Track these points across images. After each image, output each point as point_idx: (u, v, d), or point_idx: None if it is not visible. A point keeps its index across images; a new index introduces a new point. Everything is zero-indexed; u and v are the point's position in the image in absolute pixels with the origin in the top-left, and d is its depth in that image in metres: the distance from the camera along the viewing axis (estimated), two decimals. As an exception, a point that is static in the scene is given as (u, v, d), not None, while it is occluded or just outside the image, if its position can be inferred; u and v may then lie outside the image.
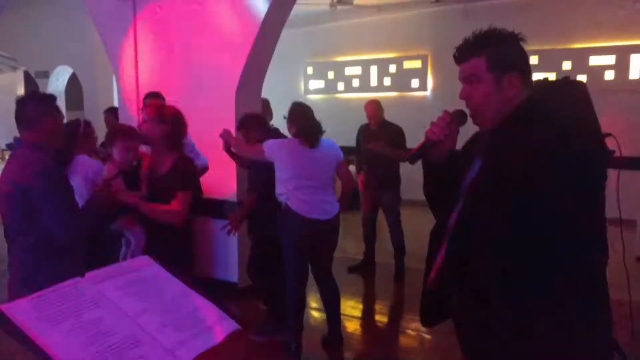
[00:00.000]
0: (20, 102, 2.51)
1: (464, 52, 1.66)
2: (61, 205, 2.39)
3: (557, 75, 7.48)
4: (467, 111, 1.73)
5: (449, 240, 1.68)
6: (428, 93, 9.34)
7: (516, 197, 1.46)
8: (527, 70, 1.66)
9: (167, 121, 3.16)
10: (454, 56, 1.69)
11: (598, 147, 1.51)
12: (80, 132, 3.70)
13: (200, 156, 4.21)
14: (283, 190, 3.74)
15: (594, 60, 7.94)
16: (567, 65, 7.98)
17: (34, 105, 2.48)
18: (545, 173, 1.42)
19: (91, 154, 3.76)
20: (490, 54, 1.61)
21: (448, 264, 1.67)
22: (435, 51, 9.01)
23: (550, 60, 7.97)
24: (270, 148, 3.72)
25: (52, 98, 2.56)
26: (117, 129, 3.29)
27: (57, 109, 2.56)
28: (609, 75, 7.89)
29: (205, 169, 4.27)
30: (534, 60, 8.13)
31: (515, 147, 1.51)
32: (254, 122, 4.12)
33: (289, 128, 3.82)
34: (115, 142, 3.19)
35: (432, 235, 1.81)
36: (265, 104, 5.11)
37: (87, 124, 3.85)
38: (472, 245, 1.57)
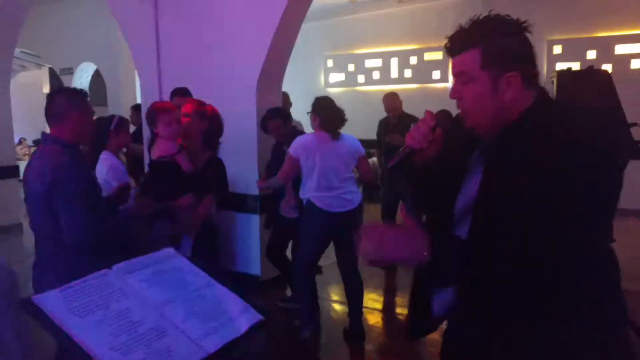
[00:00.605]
0: (50, 97, 2.50)
1: (456, 44, 1.39)
2: (78, 209, 2.33)
3: (581, 65, 7.37)
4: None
5: (461, 275, 1.36)
6: (450, 85, 9.26)
7: (526, 223, 1.25)
8: (531, 67, 1.38)
9: (207, 118, 3.21)
10: (446, 47, 1.41)
11: (612, 158, 1.29)
12: (111, 128, 3.74)
13: None
14: (307, 183, 3.79)
15: (620, 49, 7.81)
16: (591, 55, 7.86)
17: (62, 100, 2.46)
18: (553, 197, 1.22)
19: (117, 151, 3.81)
20: (486, 47, 1.34)
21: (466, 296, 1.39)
22: (456, 42, 8.92)
23: (574, 50, 7.86)
24: (295, 151, 3.78)
25: (82, 93, 2.54)
26: (155, 108, 3.26)
27: (86, 103, 2.53)
28: (635, 64, 7.75)
29: None
30: (557, 49, 8.05)
31: (521, 168, 1.28)
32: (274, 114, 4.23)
33: (312, 120, 3.84)
34: (156, 120, 3.19)
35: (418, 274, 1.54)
36: (285, 97, 5.14)
37: (122, 120, 3.88)
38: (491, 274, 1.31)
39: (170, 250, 1.41)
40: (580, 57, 7.72)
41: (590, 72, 2.89)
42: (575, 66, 6.70)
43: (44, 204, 2.33)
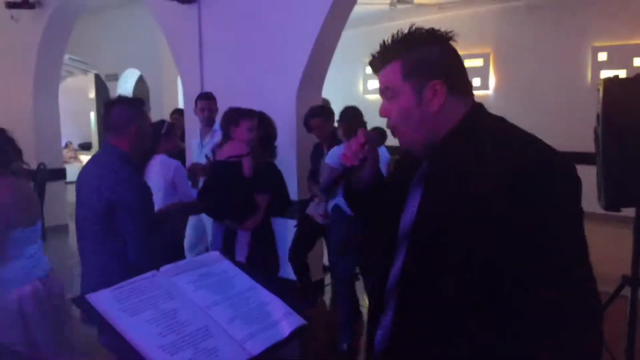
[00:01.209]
0: (109, 107, 2.50)
1: (377, 59, 1.33)
2: (142, 231, 2.38)
3: (627, 72, 7.16)
4: None
5: (395, 303, 1.30)
6: (490, 92, 9.16)
7: (460, 251, 1.15)
8: (456, 75, 1.30)
9: (261, 125, 3.31)
10: (370, 64, 1.37)
11: (570, 182, 1.12)
12: (162, 132, 3.85)
13: None
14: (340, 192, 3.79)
15: (669, 56, 7.58)
16: (638, 62, 7.64)
17: (123, 112, 2.45)
18: (488, 221, 1.11)
19: (169, 154, 3.91)
20: (405, 58, 1.28)
21: (397, 330, 1.30)
22: (497, 49, 8.82)
23: (620, 57, 7.66)
24: (332, 159, 3.78)
25: (140, 102, 2.56)
26: (237, 112, 3.36)
27: (146, 114, 2.55)
28: (685, 71, 7.51)
29: None
30: (602, 56, 7.86)
31: (453, 188, 1.18)
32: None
33: (340, 129, 3.89)
34: (238, 124, 3.30)
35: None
36: (325, 104, 5.17)
37: (171, 125, 3.99)
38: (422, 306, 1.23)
39: (215, 254, 1.45)
40: (627, 64, 7.51)
41: (639, 80, 2.81)
42: (621, 73, 6.54)
43: (99, 218, 2.37)
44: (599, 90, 2.88)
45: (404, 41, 1.30)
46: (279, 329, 1.26)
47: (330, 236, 3.91)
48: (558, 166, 1.12)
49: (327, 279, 5.36)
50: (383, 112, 1.34)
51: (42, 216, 2.85)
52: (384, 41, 1.32)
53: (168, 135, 3.88)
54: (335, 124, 4.18)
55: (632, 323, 2.95)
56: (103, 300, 1.17)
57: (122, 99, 2.59)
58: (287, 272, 5.09)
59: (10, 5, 7.03)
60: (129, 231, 2.35)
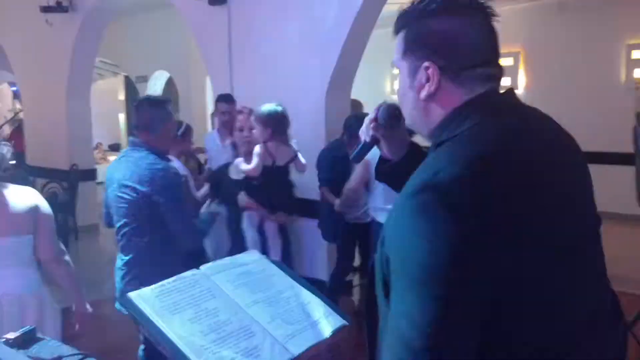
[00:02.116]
0: (140, 106, 2.63)
1: (393, 27, 1.13)
2: (187, 216, 2.53)
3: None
4: None
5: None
6: (520, 91, 9.02)
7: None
8: (460, 57, 1.03)
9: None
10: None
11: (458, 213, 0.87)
12: (179, 133, 3.90)
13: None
14: (376, 201, 3.73)
15: None
16: (675, 60, 7.45)
17: (153, 111, 2.58)
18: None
19: (181, 155, 3.95)
20: (408, 30, 1.07)
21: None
22: (528, 48, 8.67)
23: (656, 55, 7.48)
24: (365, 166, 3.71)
25: (168, 102, 2.68)
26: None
27: (172, 113, 2.68)
28: None
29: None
30: (637, 54, 7.68)
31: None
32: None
33: (343, 136, 3.87)
34: None
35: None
36: (356, 104, 5.14)
37: (188, 127, 4.05)
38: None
39: (255, 253, 1.45)
40: (662, 63, 7.34)
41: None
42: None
43: (144, 211, 2.47)
44: (638, 88, 2.81)
45: (417, 7, 1.06)
46: (319, 329, 1.25)
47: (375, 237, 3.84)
48: (426, 201, 0.89)
49: (356, 280, 5.34)
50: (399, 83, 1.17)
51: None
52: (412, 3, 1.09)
53: (184, 137, 3.97)
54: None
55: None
56: (145, 298, 1.18)
57: (152, 99, 2.74)
58: (315, 272, 5.09)
59: (44, 10, 7.17)
60: (173, 219, 2.46)
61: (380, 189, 3.64)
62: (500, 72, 1.07)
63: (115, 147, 15.34)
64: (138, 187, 2.43)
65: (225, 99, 4.84)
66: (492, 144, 0.95)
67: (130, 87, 13.54)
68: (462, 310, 0.86)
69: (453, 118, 1.02)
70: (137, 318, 1.14)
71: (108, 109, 14.76)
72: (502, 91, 1.06)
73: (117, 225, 2.57)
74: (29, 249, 2.39)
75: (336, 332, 1.25)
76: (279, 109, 3.73)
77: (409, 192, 0.92)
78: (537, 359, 0.92)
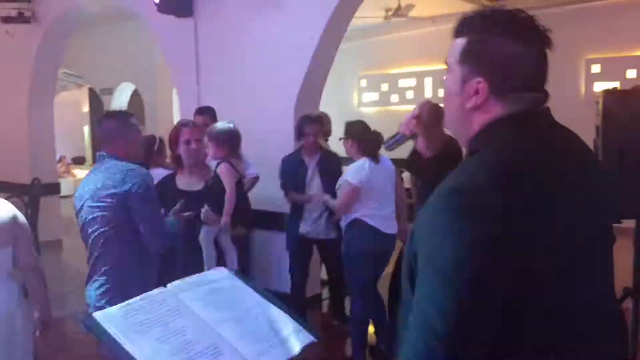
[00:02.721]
0: (102, 121, 2.67)
1: (456, 27, 1.20)
2: (157, 218, 2.54)
3: (621, 85, 7.25)
4: None
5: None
6: (484, 104, 9.19)
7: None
8: (512, 81, 1.11)
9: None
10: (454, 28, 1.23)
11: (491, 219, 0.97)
12: (155, 147, 3.89)
13: (250, 167, 4.36)
14: (359, 207, 3.75)
15: (661, 68, 7.65)
16: (631, 74, 7.70)
17: (111, 125, 2.61)
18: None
19: (163, 167, 3.93)
20: (470, 39, 1.14)
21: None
22: (491, 62, 8.87)
23: (613, 69, 7.72)
24: (354, 177, 3.72)
25: (129, 115, 2.71)
26: None
27: (138, 126, 2.70)
28: (677, 83, 7.57)
29: (255, 179, 4.38)
30: (596, 68, 7.92)
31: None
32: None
33: (350, 146, 3.82)
34: None
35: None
36: (325, 118, 5.15)
37: (161, 140, 4.05)
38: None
39: (223, 270, 1.43)
40: (620, 77, 7.57)
41: (637, 92, 2.83)
42: (615, 85, 6.60)
43: (120, 210, 2.45)
44: (597, 102, 2.90)
45: (484, 20, 1.13)
46: (289, 346, 1.24)
47: (348, 251, 3.82)
48: (459, 202, 1.00)
49: (325, 293, 5.33)
50: (444, 81, 1.23)
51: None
52: (481, 10, 1.17)
53: (159, 151, 4.04)
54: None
55: (634, 335, 2.95)
56: (111, 318, 1.15)
57: (109, 114, 2.84)
58: (282, 284, 5.06)
59: (5, 20, 7.02)
60: (142, 219, 2.47)
61: (374, 196, 3.69)
62: (544, 96, 1.17)
63: (79, 160, 15.05)
64: (112, 191, 2.43)
65: (200, 112, 4.78)
66: (523, 157, 1.05)
67: (95, 99, 13.33)
68: (483, 302, 0.95)
69: (490, 130, 1.11)
70: (103, 339, 1.12)
71: (72, 121, 14.50)
72: (539, 109, 1.15)
73: (92, 237, 2.51)
74: (10, 261, 2.41)
75: (305, 349, 1.25)
76: (232, 126, 3.87)
77: (443, 193, 1.02)
78: (544, 356, 1.02)
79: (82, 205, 2.53)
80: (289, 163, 4.34)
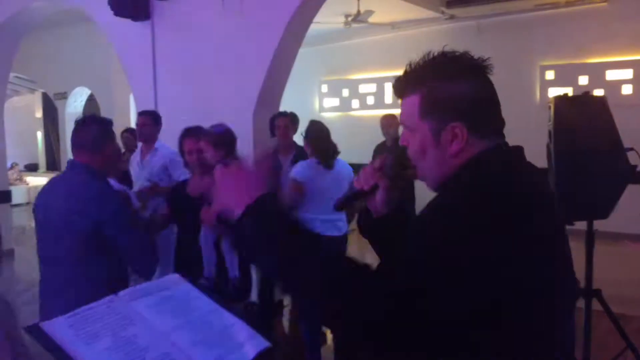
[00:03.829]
0: (82, 125, 2.45)
1: (398, 87, 1.22)
2: (139, 240, 2.43)
3: (573, 90, 7.50)
4: None
5: None
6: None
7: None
8: (483, 115, 1.16)
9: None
10: (393, 88, 1.24)
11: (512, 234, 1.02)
12: None
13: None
14: (304, 209, 3.77)
15: (611, 75, 7.91)
16: (583, 80, 7.96)
17: (97, 131, 2.44)
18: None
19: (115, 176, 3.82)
20: (425, 93, 1.15)
21: None
22: (449, 68, 9.02)
23: (566, 75, 7.96)
24: (299, 173, 3.77)
25: (110, 123, 2.54)
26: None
27: (114, 134, 2.54)
28: (627, 89, 7.85)
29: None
30: (550, 75, 8.15)
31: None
32: None
33: (305, 147, 3.87)
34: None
35: None
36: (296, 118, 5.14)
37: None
38: None
39: (175, 276, 1.40)
40: (573, 83, 7.81)
41: (587, 98, 2.92)
42: (568, 91, 6.79)
43: (84, 237, 2.32)
44: (549, 107, 2.97)
45: (428, 71, 1.16)
46: (243, 353, 1.22)
47: None
48: (464, 214, 1.03)
49: (287, 300, 5.30)
50: (402, 141, 1.24)
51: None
52: (409, 65, 1.19)
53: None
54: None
55: (587, 334, 3.02)
56: (58, 328, 1.11)
57: (96, 119, 2.58)
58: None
59: (-48, 22, 6.78)
60: (124, 246, 2.37)
61: (309, 194, 3.70)
62: (503, 123, 1.21)
63: (32, 167, 14.62)
64: (81, 214, 2.29)
65: (142, 113, 4.70)
66: (508, 183, 1.10)
67: (48, 104, 12.98)
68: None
69: (472, 163, 1.14)
70: (50, 349, 1.07)
71: (24, 127, 14.08)
72: (511, 146, 1.20)
73: (52, 255, 2.40)
74: None
75: (260, 354, 1.23)
76: (226, 127, 3.70)
77: (436, 207, 1.10)
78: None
79: (40, 220, 2.44)
80: None
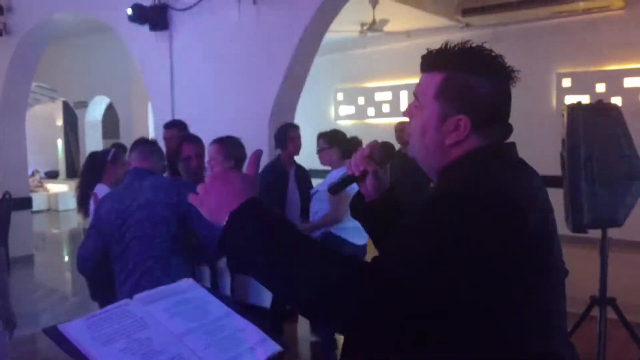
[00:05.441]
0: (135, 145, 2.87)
1: (425, 61, 1.25)
2: (214, 229, 2.60)
3: (591, 98, 7.43)
4: None
5: None
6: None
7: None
8: (491, 116, 1.19)
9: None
10: (422, 59, 1.28)
11: (500, 220, 1.03)
12: (108, 159, 3.80)
13: None
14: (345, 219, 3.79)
15: (629, 82, 7.83)
16: (601, 88, 7.88)
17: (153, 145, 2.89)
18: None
19: (115, 184, 3.85)
20: (449, 76, 1.18)
21: None
22: (465, 76, 9.01)
23: (583, 83, 7.90)
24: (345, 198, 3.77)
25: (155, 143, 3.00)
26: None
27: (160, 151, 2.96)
28: (644, 97, 7.78)
29: None
30: (567, 82, 8.09)
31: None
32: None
33: (332, 154, 3.86)
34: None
35: None
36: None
37: (117, 152, 3.94)
38: None
39: (190, 281, 1.44)
40: (590, 90, 7.75)
41: (600, 106, 2.91)
42: (585, 99, 6.73)
43: (177, 228, 2.56)
44: (563, 115, 2.97)
45: (461, 57, 1.19)
46: (254, 356, 1.25)
47: None
48: (466, 201, 1.05)
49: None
50: (407, 112, 1.27)
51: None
52: (445, 44, 1.22)
53: (115, 162, 3.89)
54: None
55: (602, 342, 3.00)
56: (76, 329, 1.15)
57: (141, 141, 2.98)
58: (262, 299, 5.04)
59: (-24, 33, 6.95)
60: (206, 226, 2.49)
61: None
62: (510, 128, 1.24)
63: (52, 175, 14.84)
64: (172, 206, 2.54)
65: (169, 125, 4.76)
66: (503, 178, 1.13)
67: (69, 112, 13.19)
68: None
69: (468, 159, 1.17)
70: (67, 351, 1.11)
71: (45, 135, 14.31)
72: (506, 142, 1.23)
73: (136, 259, 2.54)
74: None
75: (272, 358, 1.25)
76: (237, 139, 3.74)
77: (437, 198, 1.09)
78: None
79: (110, 223, 2.61)
80: (272, 174, 4.22)
